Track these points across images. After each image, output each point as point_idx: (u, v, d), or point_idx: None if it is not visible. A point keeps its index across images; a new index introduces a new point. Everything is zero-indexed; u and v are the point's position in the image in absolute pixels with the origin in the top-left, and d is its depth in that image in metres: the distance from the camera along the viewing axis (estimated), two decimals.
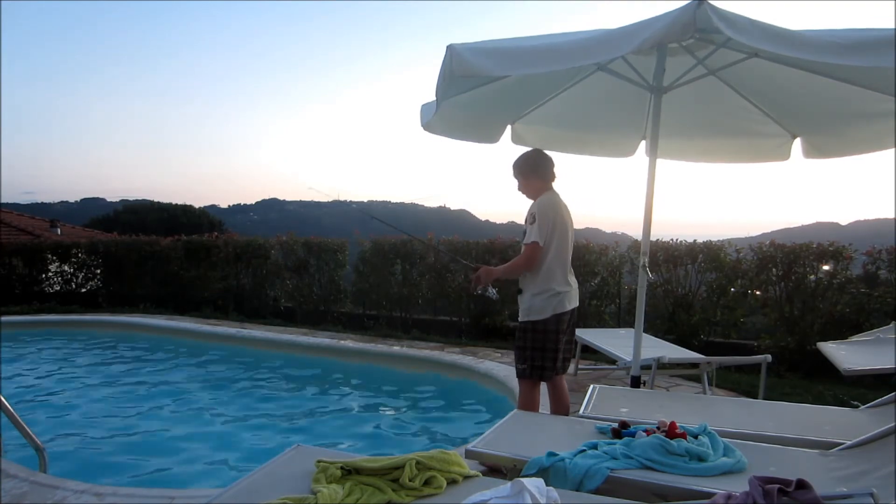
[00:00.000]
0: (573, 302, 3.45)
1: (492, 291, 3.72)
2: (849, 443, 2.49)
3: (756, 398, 4.20)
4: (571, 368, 5.38)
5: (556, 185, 3.52)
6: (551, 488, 1.88)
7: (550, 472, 2.27)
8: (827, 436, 2.77)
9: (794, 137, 4.29)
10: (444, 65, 2.79)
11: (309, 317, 9.14)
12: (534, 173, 3.47)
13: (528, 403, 3.42)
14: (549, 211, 3.35)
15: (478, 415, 5.05)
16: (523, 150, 3.60)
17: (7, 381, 5.95)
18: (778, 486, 1.66)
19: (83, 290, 11.11)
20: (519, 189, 3.54)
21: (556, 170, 3.51)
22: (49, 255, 11.18)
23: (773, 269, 6.41)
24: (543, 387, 3.54)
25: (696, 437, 2.48)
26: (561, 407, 3.54)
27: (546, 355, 3.36)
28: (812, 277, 6.24)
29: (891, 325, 4.07)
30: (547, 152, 3.55)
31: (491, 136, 4.36)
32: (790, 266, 6.28)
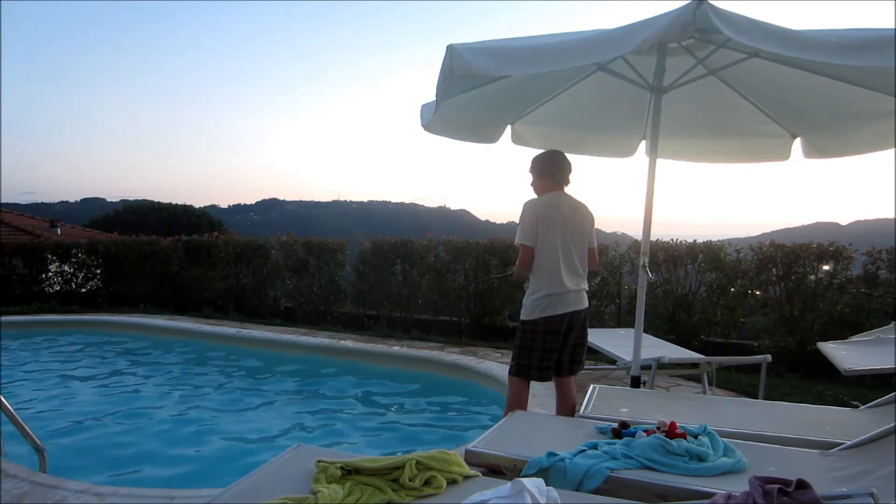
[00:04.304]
0: (572, 305, 3.35)
1: None
2: (849, 443, 2.49)
3: (756, 398, 4.20)
4: None
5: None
6: (551, 488, 1.88)
7: (550, 472, 2.27)
8: (827, 436, 2.78)
9: (794, 137, 4.29)
10: (444, 65, 2.78)
11: (309, 317, 9.14)
12: (546, 174, 3.47)
13: (515, 402, 3.41)
14: (530, 211, 3.35)
15: (478, 415, 5.05)
16: (522, 149, 3.60)
17: (7, 382, 5.95)
18: (778, 486, 1.66)
19: (83, 290, 11.11)
20: (531, 184, 3.55)
21: (571, 175, 3.49)
22: (49, 255, 11.19)
23: (773, 269, 6.41)
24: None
25: (696, 437, 2.48)
26: (566, 407, 3.53)
27: (533, 355, 3.34)
28: (812, 277, 6.24)
29: (891, 325, 4.07)
30: (567, 156, 3.53)
31: (491, 137, 4.36)
32: (790, 266, 6.28)
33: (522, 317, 3.40)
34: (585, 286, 3.47)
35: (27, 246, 11.59)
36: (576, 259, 3.40)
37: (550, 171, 3.46)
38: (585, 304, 3.46)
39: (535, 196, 3.48)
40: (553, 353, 3.36)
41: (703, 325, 6.80)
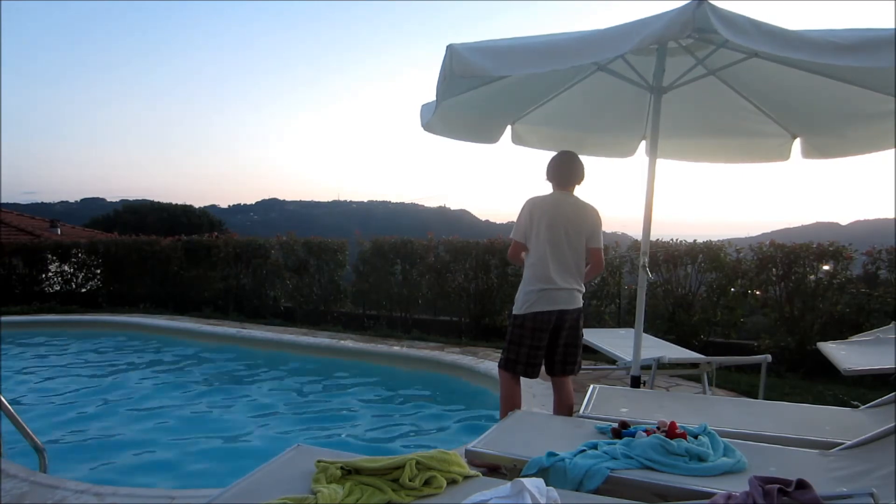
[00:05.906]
0: (561, 303, 3.35)
1: None
2: (849, 443, 2.49)
3: (756, 398, 4.20)
4: None
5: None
6: (551, 488, 1.88)
7: (550, 472, 2.27)
8: (827, 436, 2.78)
9: (794, 137, 4.29)
10: (443, 65, 2.79)
11: (309, 317, 9.14)
12: (552, 175, 3.55)
13: (507, 397, 3.45)
14: (526, 208, 3.43)
15: (478, 415, 5.05)
16: (522, 150, 3.64)
17: (7, 381, 5.95)
18: (778, 486, 1.66)
19: (83, 290, 11.11)
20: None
21: (581, 177, 3.54)
22: (49, 255, 11.19)
23: (773, 269, 6.41)
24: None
25: (696, 437, 2.48)
26: (563, 407, 3.54)
27: (521, 350, 3.36)
28: (812, 277, 6.24)
29: (891, 325, 4.07)
30: (581, 158, 3.59)
31: (491, 137, 4.37)
32: (790, 266, 6.28)
33: (514, 311, 3.46)
34: (579, 286, 3.46)
35: (27, 246, 11.59)
36: (569, 258, 3.41)
37: (557, 173, 3.53)
38: (577, 304, 3.44)
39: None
40: (541, 350, 3.38)
41: (703, 325, 6.80)
